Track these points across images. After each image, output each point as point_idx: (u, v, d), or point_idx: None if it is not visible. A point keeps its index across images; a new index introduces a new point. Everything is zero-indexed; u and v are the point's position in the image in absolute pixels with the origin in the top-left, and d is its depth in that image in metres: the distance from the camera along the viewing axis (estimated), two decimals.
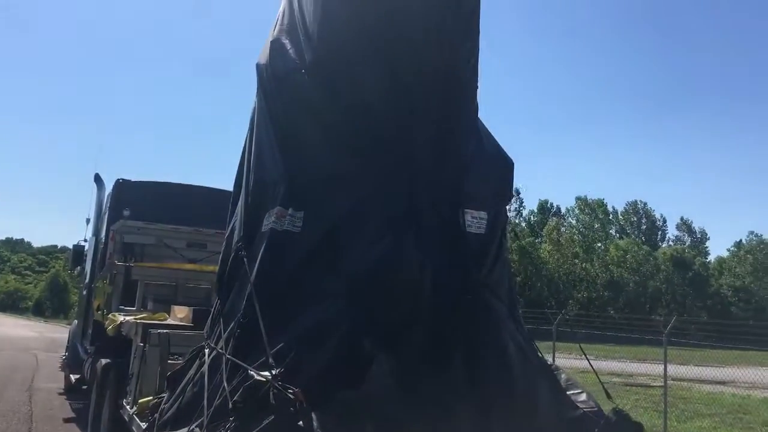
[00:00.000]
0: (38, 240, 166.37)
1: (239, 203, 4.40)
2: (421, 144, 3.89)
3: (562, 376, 4.13)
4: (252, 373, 3.19)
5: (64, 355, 13.27)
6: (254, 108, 4.47)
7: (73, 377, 11.06)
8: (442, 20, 4.01)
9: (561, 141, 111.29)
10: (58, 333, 31.99)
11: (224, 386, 3.35)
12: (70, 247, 15.27)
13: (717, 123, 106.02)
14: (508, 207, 4.80)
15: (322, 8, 4.06)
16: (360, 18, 3.97)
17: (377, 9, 3.95)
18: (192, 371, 4.11)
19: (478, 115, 4.41)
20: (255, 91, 4.45)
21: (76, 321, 12.81)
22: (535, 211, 79.07)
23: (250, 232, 4.06)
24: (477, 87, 4.31)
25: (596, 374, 4.64)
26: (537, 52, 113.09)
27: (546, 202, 79.69)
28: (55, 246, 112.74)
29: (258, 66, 4.39)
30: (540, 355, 4.25)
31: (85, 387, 9.98)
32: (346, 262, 3.64)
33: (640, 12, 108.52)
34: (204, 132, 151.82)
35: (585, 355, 4.80)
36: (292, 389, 2.93)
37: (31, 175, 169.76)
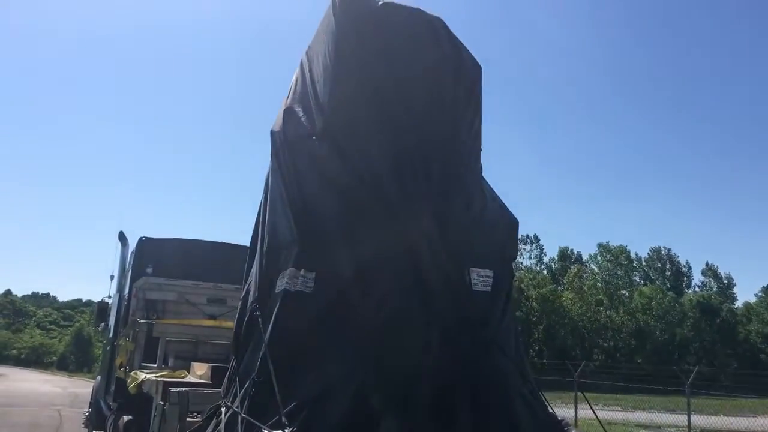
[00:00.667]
0: (63, 294, 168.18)
1: (254, 265, 4.58)
2: (426, 206, 4.05)
3: (572, 431, 4.17)
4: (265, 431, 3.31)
5: (87, 411, 13.38)
6: (268, 173, 4.69)
7: None
8: (444, 92, 4.26)
9: (581, 187, 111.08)
10: (81, 388, 32.10)
11: None
12: (95, 301, 15.53)
13: (739, 167, 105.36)
14: (513, 264, 4.91)
15: (332, 78, 4.31)
16: (367, 88, 4.21)
17: (384, 80, 4.21)
18: (209, 430, 4.22)
19: (482, 175, 4.60)
20: (269, 157, 4.68)
21: (99, 377, 12.96)
22: (556, 258, 78.52)
23: (265, 293, 4.21)
24: (480, 150, 4.52)
25: (601, 424, 4.66)
26: (558, 96, 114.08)
27: (566, 248, 79.13)
28: (80, 300, 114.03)
29: (272, 133, 4.62)
30: (550, 410, 4.30)
31: None
32: (355, 322, 3.77)
33: (659, 54, 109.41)
34: (227, 191, 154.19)
35: (590, 405, 4.83)
36: None
37: (56, 231, 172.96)
